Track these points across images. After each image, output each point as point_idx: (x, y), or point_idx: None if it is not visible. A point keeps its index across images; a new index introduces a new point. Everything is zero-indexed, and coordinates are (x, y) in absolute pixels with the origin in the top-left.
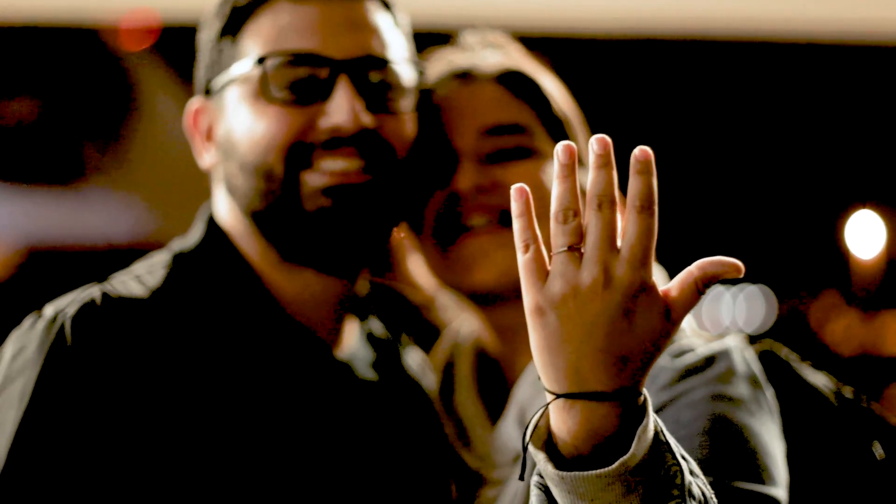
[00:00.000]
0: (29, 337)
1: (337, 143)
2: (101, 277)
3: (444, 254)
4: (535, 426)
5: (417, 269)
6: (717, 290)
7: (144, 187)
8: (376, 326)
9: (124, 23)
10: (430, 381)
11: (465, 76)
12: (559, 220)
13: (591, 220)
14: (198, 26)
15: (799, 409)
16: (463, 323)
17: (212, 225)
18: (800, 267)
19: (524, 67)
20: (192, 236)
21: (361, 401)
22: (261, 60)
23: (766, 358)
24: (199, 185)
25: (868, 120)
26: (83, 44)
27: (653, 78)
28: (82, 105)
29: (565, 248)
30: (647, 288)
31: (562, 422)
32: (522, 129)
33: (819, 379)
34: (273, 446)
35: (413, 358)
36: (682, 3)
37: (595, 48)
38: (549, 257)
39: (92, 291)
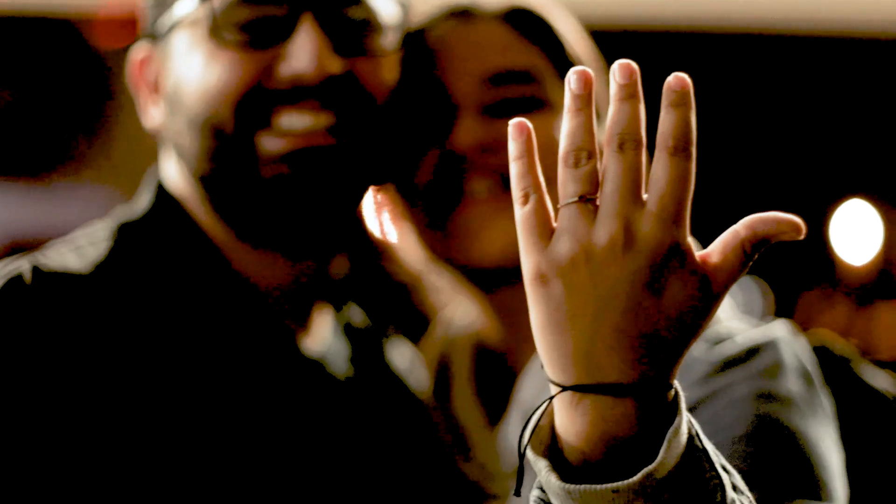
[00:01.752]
0: None
1: (299, 94)
2: None
3: (439, 224)
4: (536, 427)
5: (405, 242)
6: None
7: (126, 181)
8: (355, 315)
9: (105, 14)
10: (419, 378)
11: (464, 13)
12: (569, 164)
13: (610, 163)
14: None
15: (858, 415)
16: (457, 308)
17: (161, 191)
18: (790, 260)
19: (533, 4)
20: (140, 204)
21: (336, 404)
22: None
23: (818, 354)
24: None
25: (864, 114)
26: (64, 35)
27: (643, 70)
28: (62, 98)
29: (576, 199)
30: (681, 251)
31: (569, 421)
32: (532, 76)
33: (881, 380)
34: (233, 454)
35: (399, 352)
36: None
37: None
38: (556, 211)
39: (19, 265)
